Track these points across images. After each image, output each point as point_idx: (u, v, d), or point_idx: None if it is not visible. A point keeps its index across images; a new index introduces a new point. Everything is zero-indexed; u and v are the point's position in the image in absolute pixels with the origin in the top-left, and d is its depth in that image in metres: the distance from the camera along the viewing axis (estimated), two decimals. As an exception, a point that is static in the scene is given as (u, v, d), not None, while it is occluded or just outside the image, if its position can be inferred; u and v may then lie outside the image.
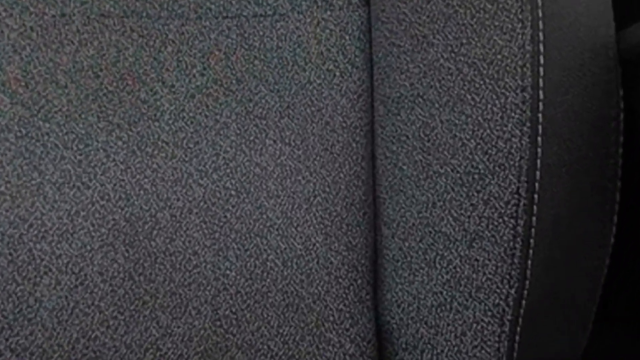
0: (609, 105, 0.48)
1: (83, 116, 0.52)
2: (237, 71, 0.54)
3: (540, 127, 0.47)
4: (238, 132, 0.52)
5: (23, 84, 0.53)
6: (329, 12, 0.55)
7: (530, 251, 0.48)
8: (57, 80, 0.53)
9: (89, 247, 0.50)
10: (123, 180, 0.51)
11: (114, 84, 0.53)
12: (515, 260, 0.47)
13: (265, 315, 0.50)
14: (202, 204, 0.51)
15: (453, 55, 0.50)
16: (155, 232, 0.50)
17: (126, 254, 0.50)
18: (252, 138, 0.52)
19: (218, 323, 0.50)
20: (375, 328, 0.52)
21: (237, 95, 0.53)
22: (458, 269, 0.49)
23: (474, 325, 0.49)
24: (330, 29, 0.55)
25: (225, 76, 0.54)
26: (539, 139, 0.47)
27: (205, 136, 0.52)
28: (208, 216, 0.51)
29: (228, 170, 0.52)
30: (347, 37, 0.55)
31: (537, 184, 0.47)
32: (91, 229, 0.50)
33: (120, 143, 0.52)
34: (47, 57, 0.53)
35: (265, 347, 0.50)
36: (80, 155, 0.52)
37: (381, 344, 0.52)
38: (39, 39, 0.54)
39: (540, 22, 0.48)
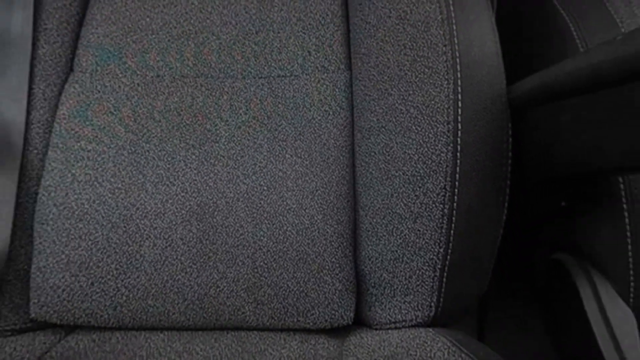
0: (502, 133, 0.50)
1: (170, 140, 0.53)
2: (268, 111, 0.54)
3: (459, 146, 0.49)
4: (268, 150, 0.53)
5: (133, 119, 0.53)
6: (325, 74, 0.55)
7: (453, 225, 0.49)
8: (153, 116, 0.54)
9: (174, 222, 0.51)
10: (195, 180, 0.52)
11: (190, 119, 0.53)
12: (443, 231, 0.48)
13: (285, 265, 0.50)
14: (245, 195, 0.51)
15: (404, 101, 0.50)
16: (216, 212, 0.51)
17: (198, 226, 0.51)
18: (276, 154, 0.53)
19: (255, 270, 0.50)
20: (354, 273, 0.52)
21: (267, 127, 0.54)
22: (407, 236, 0.49)
23: (417, 271, 0.49)
24: (326, 85, 0.55)
25: (260, 115, 0.54)
26: (458, 154, 0.49)
27: (247, 152, 0.53)
28: (249, 203, 0.51)
29: (261, 174, 0.52)
30: (337, 90, 0.55)
31: (457, 183, 0.49)
32: (175, 210, 0.51)
33: (194, 157, 0.53)
34: (147, 102, 0.53)
35: (285, 285, 0.50)
36: (169, 164, 0.52)
37: (358, 284, 0.52)
38: (142, 91, 0.54)
39: (459, 81, 0.49)
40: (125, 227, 0.51)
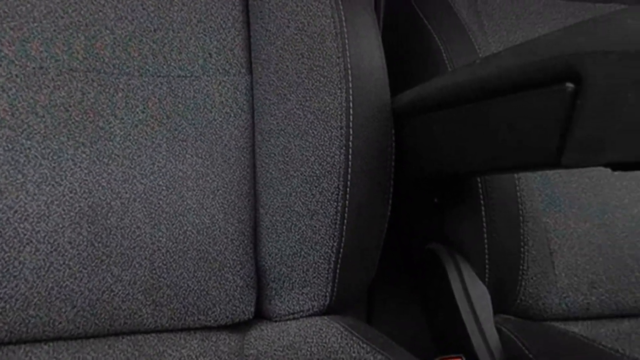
0: (387, 139, 0.44)
1: (56, 137, 0.38)
2: (167, 111, 0.41)
3: (350, 150, 0.42)
4: (167, 149, 0.40)
5: (10, 113, 0.37)
6: (226, 77, 0.44)
7: (345, 221, 0.43)
8: (36, 111, 0.38)
9: (60, 225, 0.36)
10: (86, 180, 0.38)
11: (80, 116, 0.39)
12: (337, 226, 0.42)
13: (185, 265, 0.38)
14: (142, 195, 0.39)
15: (302, 106, 0.41)
16: (110, 214, 0.38)
17: (89, 229, 0.38)
18: (176, 153, 0.40)
19: (154, 271, 0.38)
20: (255, 269, 0.41)
21: (167, 126, 0.41)
22: (304, 232, 0.41)
23: (313, 264, 0.41)
24: (227, 87, 0.44)
25: (159, 114, 0.41)
26: (350, 156, 0.42)
27: (145, 151, 0.40)
28: (147, 203, 0.39)
29: (160, 174, 0.40)
30: (238, 92, 0.44)
31: (349, 182, 0.42)
32: (62, 213, 0.37)
33: (84, 156, 0.38)
34: (28, 96, 0.37)
35: (186, 284, 0.38)
36: (54, 163, 0.38)
37: (259, 279, 0.42)
38: (21, 83, 0.37)
39: (351, 90, 0.43)
40: (0, 232, 0.35)
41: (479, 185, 0.46)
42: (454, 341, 0.46)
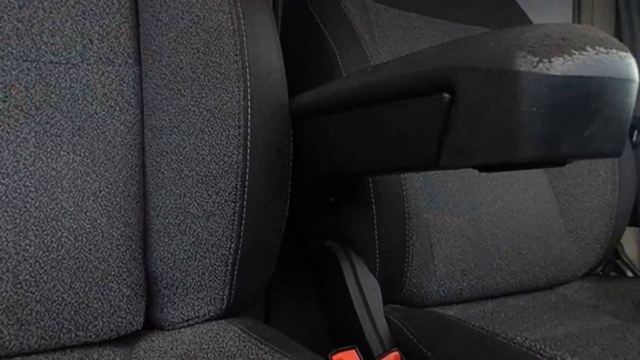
0: (285, 139, 0.44)
1: None
2: (36, 101, 0.36)
3: (249, 149, 0.41)
4: (36, 145, 0.35)
5: None
6: (111, 67, 0.40)
7: (243, 221, 0.42)
8: None
9: None
10: None
11: None
12: (235, 227, 0.41)
13: (61, 276, 0.34)
14: (4, 197, 0.33)
15: (197, 103, 0.39)
16: None
17: None
18: (48, 150, 0.35)
19: (19, 285, 0.33)
20: (144, 276, 0.38)
21: (35, 118, 0.36)
22: (200, 234, 0.39)
23: (210, 267, 0.40)
24: (112, 78, 0.40)
25: (25, 104, 0.36)
26: (248, 156, 0.41)
27: (7, 147, 0.34)
28: (10, 206, 0.33)
29: (28, 173, 0.34)
30: (124, 85, 0.40)
31: (247, 182, 0.41)
32: None
33: None
34: None
35: (60, 298, 0.34)
36: None
37: (149, 286, 0.39)
38: None
39: (249, 89, 0.42)
40: None
41: (371, 185, 0.49)
42: (349, 333, 0.49)
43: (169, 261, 0.40)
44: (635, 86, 0.27)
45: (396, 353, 0.43)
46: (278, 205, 0.44)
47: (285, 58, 0.46)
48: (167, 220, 0.40)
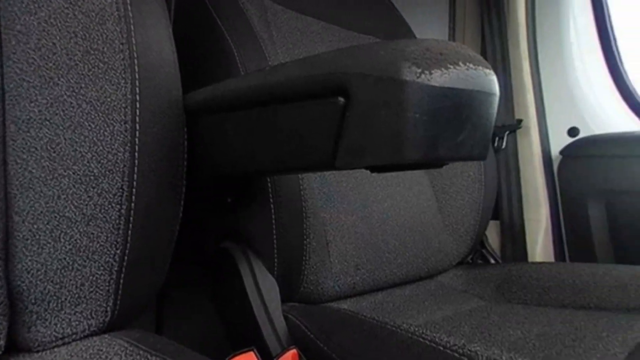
0: (179, 136, 0.42)
1: None
2: None
3: (137, 146, 0.39)
4: None
5: None
6: (-41, 45, 0.33)
7: (130, 225, 0.39)
8: None
9: None
10: None
11: None
12: (121, 232, 0.38)
13: None
14: None
15: (74, 94, 0.35)
16: None
17: None
18: None
19: None
20: (7, 292, 0.33)
21: None
22: (78, 241, 0.35)
23: (90, 277, 0.36)
24: (-39, 59, 0.33)
25: None
26: (136, 154, 0.39)
27: None
28: None
29: None
30: (-21, 68, 0.34)
31: (135, 182, 0.39)
32: None
33: None
34: None
35: None
36: None
37: (12, 303, 0.33)
38: None
39: (137, 82, 0.39)
40: None
41: (269, 184, 0.49)
42: (247, 334, 0.48)
43: (39, 273, 0.35)
44: (497, 99, 0.32)
45: (294, 351, 0.44)
46: (170, 206, 0.42)
47: (178, 51, 0.43)
48: (36, 226, 0.35)
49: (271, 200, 0.49)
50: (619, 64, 0.95)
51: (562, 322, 0.53)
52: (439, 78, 0.27)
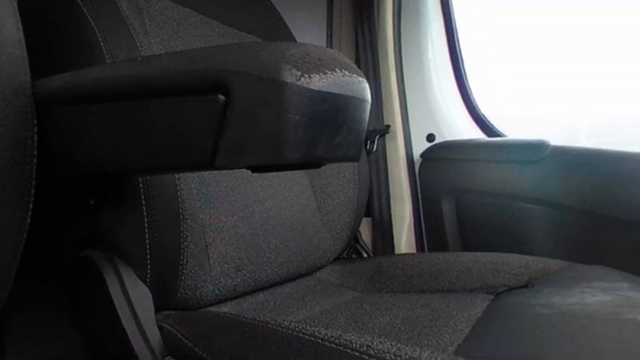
0: (26, 128, 0.36)
1: None
2: None
3: None
4: None
5: None
6: None
7: None
8: None
9: None
10: None
11: None
12: None
13: None
14: None
15: None
16: None
17: None
18: None
19: None
20: None
21: None
22: None
23: None
24: None
25: None
26: None
27: None
28: None
29: None
30: None
31: None
32: None
33: None
34: None
35: None
36: None
37: None
38: None
39: None
40: None
41: (141, 184, 0.45)
42: (116, 351, 0.43)
43: None
44: (368, 106, 0.34)
45: (170, 361, 0.41)
46: (16, 211, 0.35)
47: (26, 30, 0.37)
48: None
49: (143, 201, 0.45)
50: (465, 81, 1.11)
51: (422, 305, 0.60)
52: (317, 82, 0.28)
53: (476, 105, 1.10)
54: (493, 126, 1.07)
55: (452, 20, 1.11)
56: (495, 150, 0.95)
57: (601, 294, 0.50)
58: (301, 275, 0.74)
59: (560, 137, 0.89)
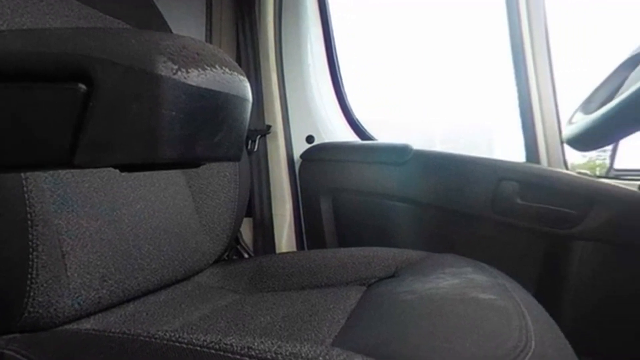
0: None
1: None
2: None
3: None
4: None
5: None
6: None
7: None
8: None
9: None
10: None
11: None
12: None
13: None
14: None
15: None
16: None
17: None
18: None
19: None
20: None
21: None
22: None
23: None
24: None
25: None
26: None
27: None
28: None
29: None
30: None
31: None
32: None
33: None
34: None
35: None
36: None
37: None
38: None
39: None
40: None
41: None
42: None
43: None
44: (250, 105, 0.34)
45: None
46: None
47: None
48: None
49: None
50: (342, 86, 1.18)
51: (302, 301, 0.62)
52: (196, 78, 0.27)
53: (351, 109, 1.18)
54: (365, 130, 1.16)
55: (330, 28, 1.17)
56: (367, 153, 1.03)
57: (451, 278, 0.59)
58: (178, 281, 0.70)
59: (421, 142, 1.01)
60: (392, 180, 0.97)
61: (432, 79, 1.35)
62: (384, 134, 1.17)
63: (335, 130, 1.12)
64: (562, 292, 0.84)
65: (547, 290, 0.86)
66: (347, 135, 1.15)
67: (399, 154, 0.97)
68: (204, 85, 0.28)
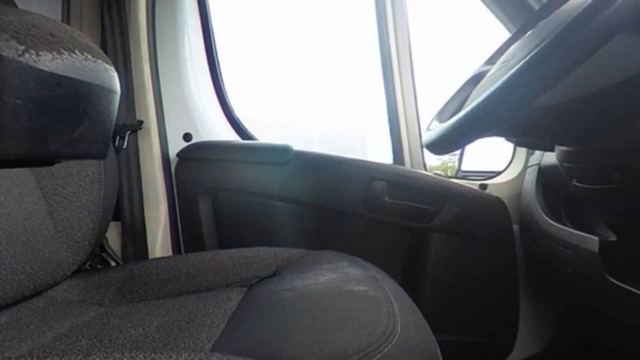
0: None
1: None
2: None
3: None
4: None
5: None
6: None
7: None
8: None
9: None
10: None
11: None
12: None
13: None
14: None
15: None
16: None
17: None
18: None
19: None
20: None
21: None
22: None
23: None
24: None
25: None
26: None
27: None
28: None
29: None
30: None
31: None
32: None
33: None
34: None
35: None
36: None
37: None
38: None
39: None
40: None
41: None
42: None
43: None
44: (117, 97, 0.31)
45: None
46: None
47: None
48: None
49: None
50: (222, 84, 1.15)
51: (179, 309, 0.59)
52: (49, 62, 0.24)
53: (231, 107, 1.15)
54: (247, 129, 1.15)
55: (209, 21, 1.13)
56: (248, 152, 1.02)
57: (329, 273, 0.62)
58: (25, 298, 0.60)
59: (300, 143, 1.04)
60: (273, 180, 0.98)
61: (312, 81, 1.40)
62: (264, 133, 1.17)
63: (215, 129, 1.08)
64: (422, 279, 0.95)
65: (410, 278, 0.97)
66: (227, 134, 1.12)
67: (280, 154, 0.98)
68: (59, 72, 0.24)
